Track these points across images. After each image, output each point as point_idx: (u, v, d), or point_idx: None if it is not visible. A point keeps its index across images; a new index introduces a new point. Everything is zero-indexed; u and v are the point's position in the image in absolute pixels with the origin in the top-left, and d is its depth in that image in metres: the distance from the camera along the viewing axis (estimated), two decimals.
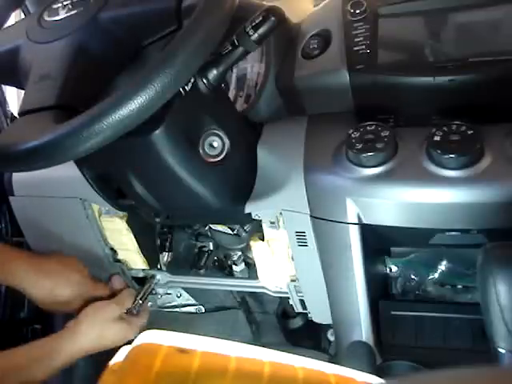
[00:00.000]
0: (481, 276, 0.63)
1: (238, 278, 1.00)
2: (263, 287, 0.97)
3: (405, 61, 0.78)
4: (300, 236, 0.82)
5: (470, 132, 0.68)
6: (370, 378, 0.40)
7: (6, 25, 0.80)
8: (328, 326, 1.04)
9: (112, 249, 1.02)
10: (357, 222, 0.75)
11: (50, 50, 0.67)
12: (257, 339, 1.18)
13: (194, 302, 1.17)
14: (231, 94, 0.90)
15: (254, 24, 0.69)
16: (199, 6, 0.58)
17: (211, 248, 1.05)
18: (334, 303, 0.86)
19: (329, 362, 0.40)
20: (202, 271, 1.04)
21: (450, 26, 0.77)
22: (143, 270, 1.04)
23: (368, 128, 0.73)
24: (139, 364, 0.38)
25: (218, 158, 0.75)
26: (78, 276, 0.95)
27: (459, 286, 0.87)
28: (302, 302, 0.94)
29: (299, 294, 0.93)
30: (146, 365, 0.38)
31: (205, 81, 0.70)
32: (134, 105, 0.54)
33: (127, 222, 0.96)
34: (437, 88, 0.73)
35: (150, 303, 1.13)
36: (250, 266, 1.00)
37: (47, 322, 1.26)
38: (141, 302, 0.98)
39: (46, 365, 0.85)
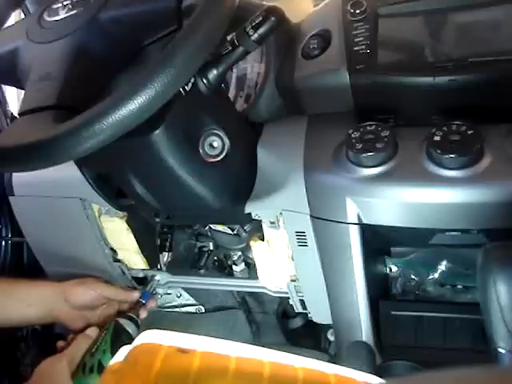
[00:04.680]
0: (481, 276, 0.63)
1: (238, 277, 1.00)
2: (263, 287, 0.97)
3: (405, 61, 0.78)
4: (300, 236, 0.82)
5: (469, 132, 0.68)
6: (370, 378, 0.40)
7: (6, 25, 0.80)
8: (328, 326, 1.04)
9: (112, 249, 1.02)
10: (357, 221, 0.75)
11: (50, 50, 0.67)
12: (257, 339, 1.18)
13: (194, 301, 1.17)
14: (231, 94, 0.90)
15: (254, 24, 0.69)
16: (199, 6, 0.58)
17: (211, 248, 1.05)
18: (334, 303, 0.86)
19: (329, 362, 0.40)
20: (202, 271, 1.04)
21: (450, 26, 0.77)
22: (143, 269, 1.04)
23: (368, 128, 0.73)
24: (139, 364, 0.38)
25: (218, 158, 0.75)
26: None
27: (459, 286, 0.87)
28: (302, 302, 0.94)
29: (299, 294, 0.93)
30: (146, 365, 0.38)
31: (205, 81, 0.70)
32: (134, 105, 0.54)
33: (127, 222, 0.96)
34: (437, 88, 0.73)
35: None
36: (250, 266, 1.00)
37: None
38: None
39: None
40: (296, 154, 0.78)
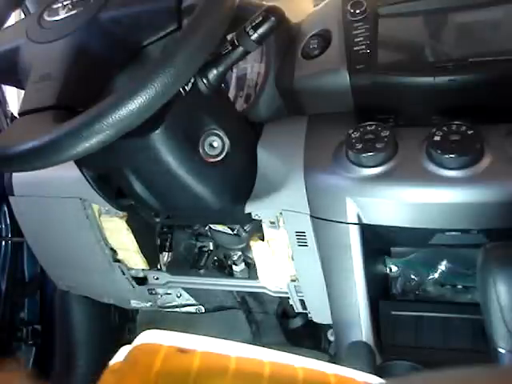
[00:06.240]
0: (481, 276, 0.63)
1: (238, 278, 1.00)
2: (263, 287, 0.97)
3: (405, 61, 0.78)
4: (300, 236, 0.82)
5: (470, 132, 0.68)
6: (370, 378, 0.40)
7: (6, 25, 0.80)
8: (328, 326, 1.04)
9: (112, 249, 1.02)
10: (357, 222, 0.75)
11: (50, 49, 0.67)
12: (257, 339, 1.18)
13: (194, 301, 1.17)
14: (231, 94, 0.90)
15: (253, 24, 0.69)
16: (199, 6, 0.58)
17: (211, 248, 1.05)
18: (333, 303, 0.86)
19: (329, 362, 0.40)
20: (202, 271, 1.04)
21: (450, 26, 0.77)
22: (143, 269, 1.04)
23: (368, 128, 0.73)
24: (139, 364, 0.38)
25: (218, 158, 0.75)
26: None
27: (459, 286, 0.87)
28: (302, 302, 0.94)
29: (299, 294, 0.93)
30: (146, 365, 0.38)
31: (205, 81, 0.70)
32: (134, 105, 0.54)
33: (127, 222, 0.96)
34: (437, 88, 0.73)
35: (149, 303, 1.13)
36: (250, 266, 1.00)
37: (47, 322, 1.26)
38: None
39: None
40: (296, 154, 0.78)
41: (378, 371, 0.79)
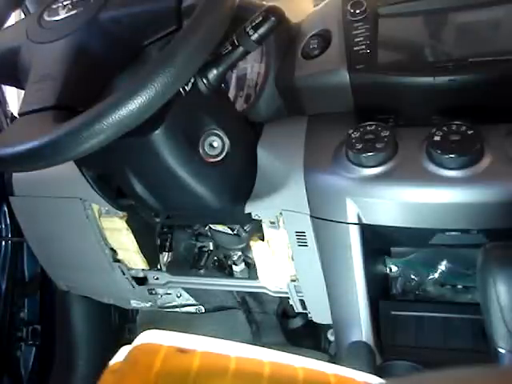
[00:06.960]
0: (481, 276, 0.63)
1: (238, 278, 1.00)
2: (263, 287, 0.97)
3: (405, 61, 0.78)
4: (300, 236, 0.82)
5: (470, 132, 0.68)
6: (370, 378, 0.40)
7: (6, 25, 0.80)
8: (328, 326, 1.04)
9: (112, 249, 1.02)
10: (357, 222, 0.75)
11: (50, 50, 0.67)
12: (257, 339, 1.18)
13: (194, 302, 1.17)
14: (231, 94, 0.90)
15: (254, 24, 0.69)
16: (199, 6, 0.58)
17: (211, 248, 1.05)
18: (333, 303, 0.86)
19: (329, 362, 0.40)
20: (202, 271, 1.04)
21: (450, 26, 0.77)
22: (143, 269, 1.04)
23: (368, 128, 0.73)
24: (139, 364, 0.38)
25: (218, 158, 0.75)
26: None
27: (459, 286, 0.87)
28: (302, 302, 0.94)
29: (299, 294, 0.93)
30: (146, 365, 0.37)
31: (205, 81, 0.70)
32: (134, 105, 0.54)
33: (127, 222, 0.96)
34: (437, 88, 0.73)
35: (149, 303, 1.13)
36: (250, 266, 1.00)
37: (47, 322, 1.26)
38: None
39: None
40: (296, 154, 0.78)
41: (378, 371, 0.79)
